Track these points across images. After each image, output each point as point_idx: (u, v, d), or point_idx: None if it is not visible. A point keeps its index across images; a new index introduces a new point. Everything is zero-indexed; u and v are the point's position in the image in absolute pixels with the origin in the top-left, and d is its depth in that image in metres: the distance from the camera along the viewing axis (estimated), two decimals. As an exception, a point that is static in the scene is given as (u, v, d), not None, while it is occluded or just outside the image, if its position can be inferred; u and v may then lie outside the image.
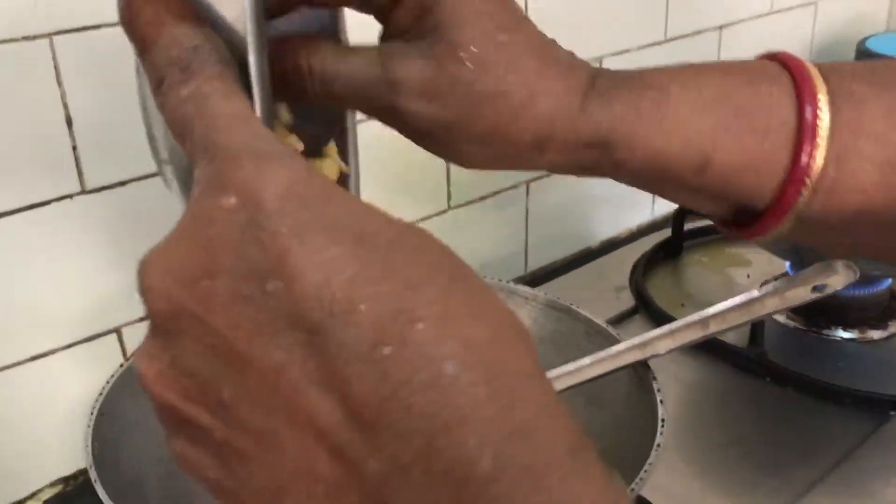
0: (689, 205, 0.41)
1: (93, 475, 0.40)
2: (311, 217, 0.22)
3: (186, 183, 0.32)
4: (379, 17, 0.36)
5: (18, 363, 0.62)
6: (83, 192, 0.62)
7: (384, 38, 0.36)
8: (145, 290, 0.24)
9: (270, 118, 0.29)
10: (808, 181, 0.36)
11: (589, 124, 0.36)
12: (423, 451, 0.20)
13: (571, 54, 0.37)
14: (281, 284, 0.21)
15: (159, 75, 0.27)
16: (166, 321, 0.23)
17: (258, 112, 0.28)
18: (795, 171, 0.36)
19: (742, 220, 0.40)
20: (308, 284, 0.21)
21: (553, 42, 0.37)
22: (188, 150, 0.26)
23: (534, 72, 0.35)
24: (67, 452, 0.65)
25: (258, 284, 0.22)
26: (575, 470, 0.21)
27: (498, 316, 0.23)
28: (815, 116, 0.36)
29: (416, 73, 0.34)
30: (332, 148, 0.36)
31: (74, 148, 0.60)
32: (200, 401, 0.23)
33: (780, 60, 0.38)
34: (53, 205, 0.60)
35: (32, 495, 0.65)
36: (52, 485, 0.66)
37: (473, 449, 0.20)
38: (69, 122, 0.59)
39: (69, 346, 0.64)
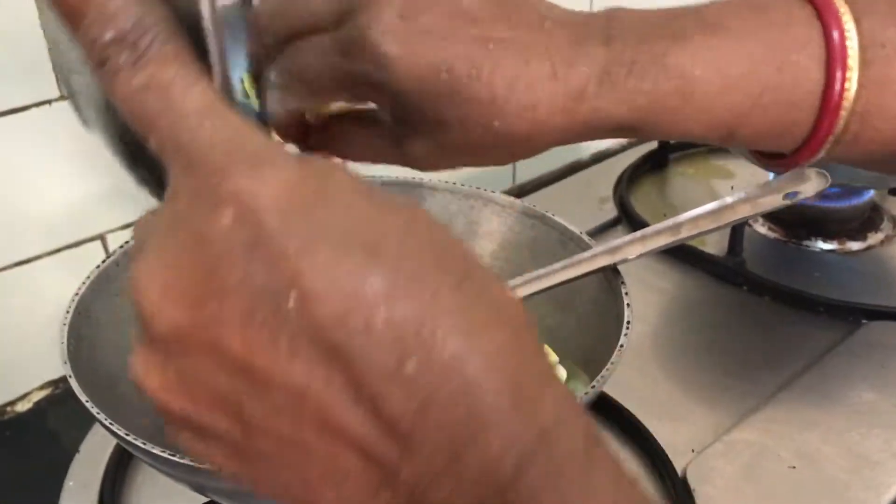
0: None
1: (67, 371, 0.41)
2: (316, 228, 0.22)
3: (102, 112, 0.30)
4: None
5: (4, 268, 0.63)
6: (62, 97, 0.61)
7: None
8: (144, 314, 0.23)
9: (230, 90, 0.26)
10: (830, 138, 0.37)
11: (609, 118, 0.35)
12: (454, 459, 0.21)
13: (575, 38, 0.35)
14: (296, 306, 0.21)
15: (101, 56, 0.24)
16: (171, 342, 0.23)
17: (216, 82, 0.26)
18: (819, 132, 0.36)
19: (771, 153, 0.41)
20: (326, 305, 0.21)
21: (551, 25, 0.35)
22: (154, 145, 0.24)
23: (543, 55, 0.34)
24: (56, 356, 0.66)
25: (272, 307, 0.21)
26: (590, 466, 0.22)
27: (512, 314, 0.23)
28: (844, 82, 0.35)
29: (426, 144, 0.36)
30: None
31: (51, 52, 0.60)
32: (216, 409, 0.23)
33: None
34: (32, 110, 0.60)
35: (23, 396, 0.67)
36: (42, 387, 0.67)
37: (499, 455, 0.21)
38: (44, 26, 0.59)
39: (54, 251, 0.65)
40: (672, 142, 0.92)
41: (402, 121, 0.35)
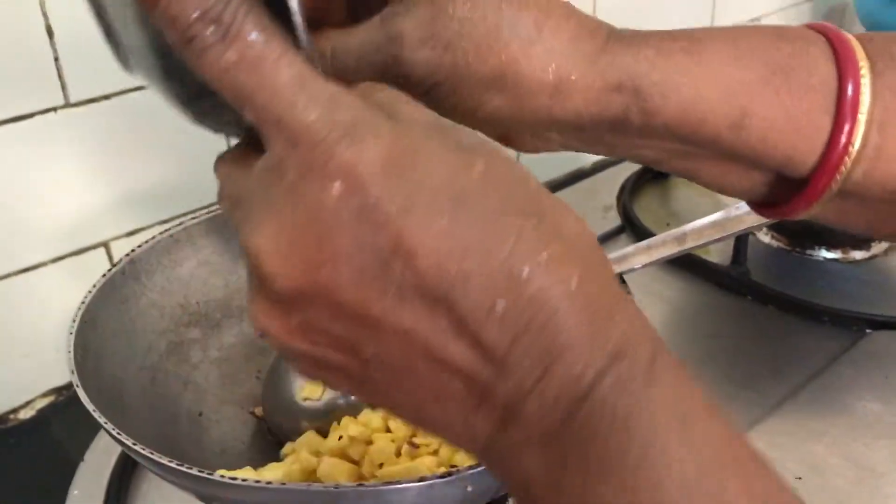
0: (722, 182, 0.38)
1: (75, 380, 0.41)
2: (412, 190, 0.25)
3: (151, 68, 0.30)
4: None
5: (7, 276, 0.63)
6: (67, 105, 0.61)
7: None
8: (267, 276, 0.26)
9: (314, 53, 0.28)
10: (851, 148, 0.35)
11: (615, 66, 0.34)
12: (542, 377, 0.25)
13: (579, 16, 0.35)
14: (402, 263, 0.25)
15: (187, 34, 0.25)
16: (292, 298, 0.26)
17: (303, 43, 0.27)
18: (837, 136, 0.35)
19: (776, 198, 0.38)
20: (427, 261, 0.24)
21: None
22: (251, 118, 0.26)
23: (536, 6, 0.34)
24: (60, 363, 0.66)
25: (380, 265, 0.25)
26: (653, 376, 0.25)
27: (586, 246, 0.26)
28: (858, 78, 0.34)
29: (413, 21, 0.34)
30: None
31: (56, 59, 0.60)
32: (335, 349, 0.27)
33: (814, 27, 0.36)
34: (37, 118, 0.60)
35: (26, 404, 0.67)
36: (45, 395, 0.67)
37: (579, 373, 0.25)
38: (50, 33, 0.59)
39: (57, 259, 0.65)
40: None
41: None
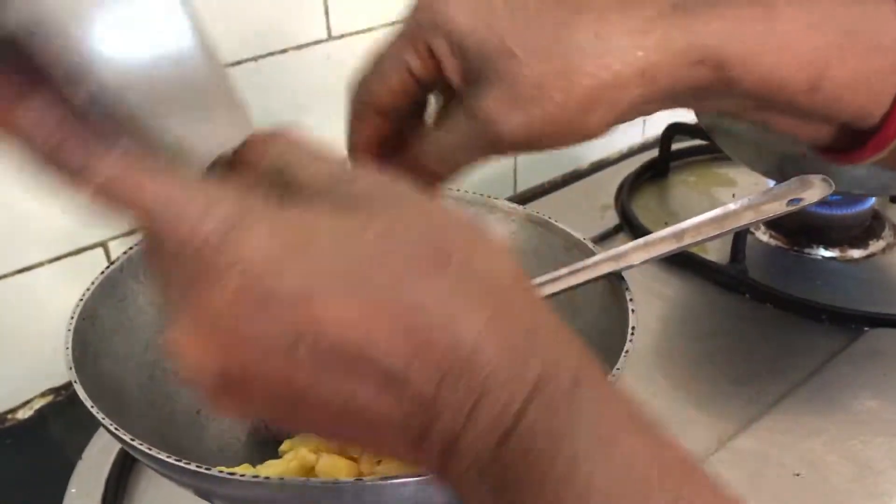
0: (795, 131, 0.41)
1: (73, 377, 0.41)
2: (306, 269, 0.25)
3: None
4: (446, 88, 0.38)
5: (5, 276, 0.63)
6: (65, 104, 0.61)
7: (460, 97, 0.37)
8: (191, 380, 0.27)
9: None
10: None
11: (694, 44, 0.36)
12: (471, 413, 0.26)
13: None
14: (310, 340, 0.25)
15: (54, 160, 0.27)
16: (221, 390, 0.27)
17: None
18: None
19: (848, 145, 0.40)
20: (335, 334, 0.25)
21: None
22: (136, 226, 0.27)
23: (592, 22, 0.35)
24: (58, 363, 0.66)
25: (288, 346, 0.25)
26: (578, 394, 0.26)
27: (495, 281, 0.27)
28: None
29: (495, 99, 0.36)
30: None
31: (54, 59, 0.60)
32: (273, 410, 0.27)
33: None
34: (35, 117, 0.60)
35: (25, 404, 0.67)
36: (44, 394, 0.67)
37: (502, 410, 0.26)
38: (48, 33, 0.59)
39: (56, 259, 0.65)
40: (672, 149, 0.92)
41: (471, 74, 0.36)
